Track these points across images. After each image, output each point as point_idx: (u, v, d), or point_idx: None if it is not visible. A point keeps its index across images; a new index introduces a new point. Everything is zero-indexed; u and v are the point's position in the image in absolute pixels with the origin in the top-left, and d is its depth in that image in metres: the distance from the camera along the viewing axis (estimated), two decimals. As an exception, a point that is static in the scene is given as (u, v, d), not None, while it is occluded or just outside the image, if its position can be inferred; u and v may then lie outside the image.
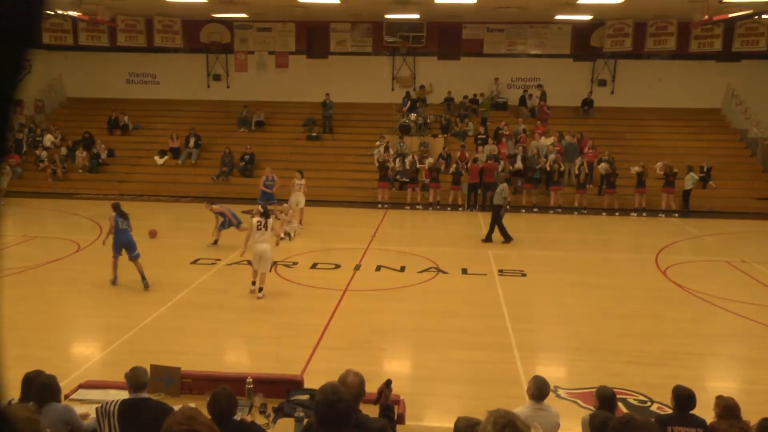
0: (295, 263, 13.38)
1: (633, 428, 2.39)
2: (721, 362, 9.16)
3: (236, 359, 8.98)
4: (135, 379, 4.57)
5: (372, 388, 5.29)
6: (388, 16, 23.29)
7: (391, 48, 25.04)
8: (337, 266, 13.21)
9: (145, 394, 4.61)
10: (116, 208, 11.41)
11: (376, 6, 21.34)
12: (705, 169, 20.29)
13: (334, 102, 23.99)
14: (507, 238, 15.34)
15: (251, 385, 5.50)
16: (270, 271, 11.44)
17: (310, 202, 20.41)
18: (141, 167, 22.78)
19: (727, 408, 4.86)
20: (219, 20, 25.04)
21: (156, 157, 22.94)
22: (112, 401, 4.53)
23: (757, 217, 19.00)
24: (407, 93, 24.55)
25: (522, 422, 2.58)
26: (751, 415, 4.87)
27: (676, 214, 19.22)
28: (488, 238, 15.42)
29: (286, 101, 25.51)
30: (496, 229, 15.36)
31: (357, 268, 13.06)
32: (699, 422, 4.87)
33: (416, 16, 22.99)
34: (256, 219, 10.84)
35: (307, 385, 6.04)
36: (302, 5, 21.19)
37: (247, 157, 22.11)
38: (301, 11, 22.55)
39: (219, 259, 13.42)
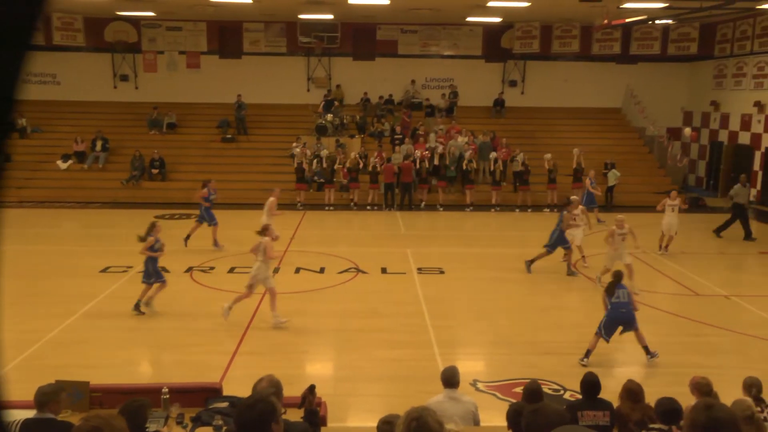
0: (211, 268, 13.04)
1: (541, 415, 2.50)
2: (626, 348, 9.65)
3: (151, 369, 8.66)
4: (37, 396, 4.33)
5: (295, 391, 5.25)
6: (301, 17, 23.12)
7: (306, 48, 24.88)
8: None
9: (49, 414, 4.36)
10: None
11: (289, 6, 21.14)
12: (609, 166, 21.36)
13: (246, 103, 23.57)
14: (749, 236, 16.23)
15: (167, 396, 5.31)
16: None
17: (225, 206, 19.98)
18: (42, 172, 21.50)
19: (630, 392, 5.17)
20: (124, 18, 24.04)
21: (59, 162, 21.73)
22: (14, 421, 4.26)
23: (655, 210, 20.16)
24: (328, 91, 24.56)
25: (434, 418, 2.61)
26: (655, 397, 5.16)
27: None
28: (749, 236, 16.16)
29: (199, 102, 24.83)
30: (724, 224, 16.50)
31: (276, 270, 12.87)
32: (606, 405, 5.15)
33: (330, 16, 22.95)
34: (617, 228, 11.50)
35: (226, 392, 5.91)
36: (213, 4, 20.67)
37: (156, 162, 21.33)
38: (212, 10, 22.00)
39: (131, 267, 12.87)
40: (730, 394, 5.41)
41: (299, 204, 19.96)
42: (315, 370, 8.63)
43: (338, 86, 25.15)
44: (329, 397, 6.45)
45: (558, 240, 12.77)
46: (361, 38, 25.31)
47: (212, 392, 5.64)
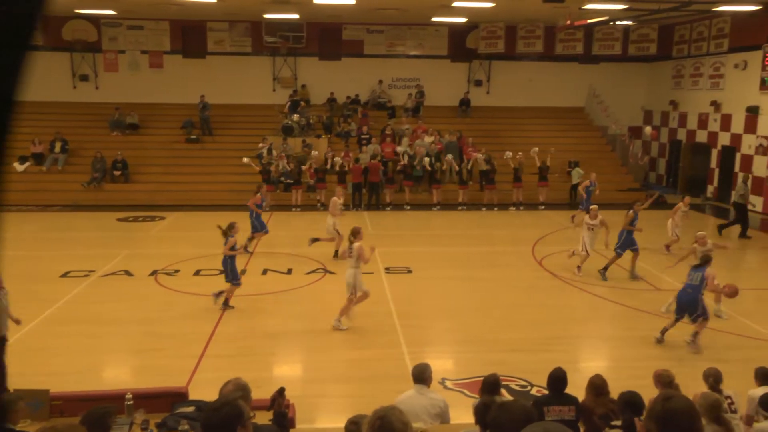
0: (176, 271, 12.84)
1: (507, 411, 2.53)
2: (591, 344, 9.85)
3: (115, 375, 8.48)
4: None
5: (263, 394, 5.21)
6: (266, 16, 22.94)
7: (272, 48, 24.70)
8: (222, 272, 12.82)
9: (7, 424, 4.24)
10: None
11: (254, 5, 20.95)
12: (572, 164, 21.71)
13: (210, 103, 23.28)
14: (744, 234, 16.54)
15: (131, 402, 5.21)
16: None
17: (190, 207, 19.73)
18: (-1, 175, 20.88)
19: (594, 386, 5.27)
20: (84, 17, 23.51)
21: (15, 164, 21.12)
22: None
23: (618, 208, 20.40)
24: (294, 91, 24.38)
25: (398, 417, 2.61)
26: (618, 390, 5.26)
27: (543, 206, 20.40)
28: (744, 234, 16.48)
29: (163, 103, 24.42)
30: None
31: (242, 272, 12.75)
32: (572, 400, 5.24)
33: (296, 16, 22.83)
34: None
35: (192, 396, 5.82)
36: (176, 3, 20.36)
37: (119, 164, 20.91)
38: (175, 9, 21.66)
39: (93, 271, 12.61)
40: (691, 385, 5.55)
41: (266, 206, 19.76)
42: (283, 372, 8.56)
43: (304, 86, 25.02)
44: (298, 398, 6.42)
45: (626, 242, 12.53)
46: (326, 38, 25.23)
47: (178, 397, 5.55)
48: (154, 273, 12.60)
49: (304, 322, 10.13)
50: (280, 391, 4.99)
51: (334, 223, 13.60)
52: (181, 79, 24.48)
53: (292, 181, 20.23)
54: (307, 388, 7.76)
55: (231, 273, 10.44)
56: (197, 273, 12.75)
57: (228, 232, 10.37)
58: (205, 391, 5.97)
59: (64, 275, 12.32)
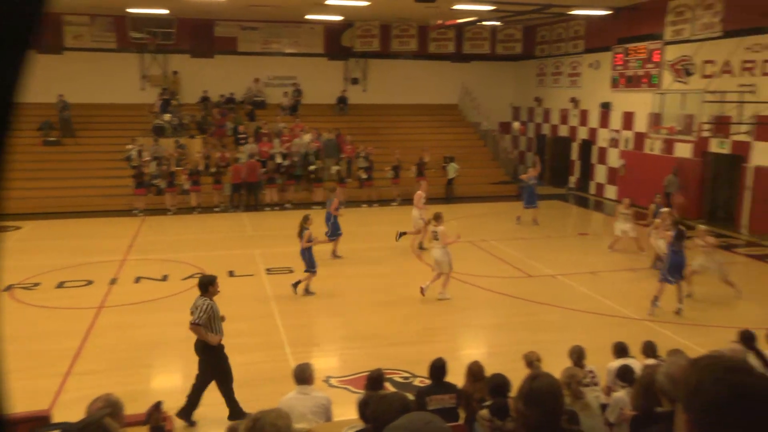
0: (36, 284, 11.85)
1: (386, 403, 2.58)
2: (471, 332, 10.25)
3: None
4: None
5: (140, 408, 4.95)
6: (130, 10, 21.73)
7: (139, 44, 23.45)
8: (89, 282, 12.01)
9: None
10: None
11: (116, -2, 19.77)
12: (448, 160, 22.46)
13: (69, 102, 21.71)
14: None
15: (-18, 432, 4.72)
16: None
17: (52, 215, 18.30)
18: None
19: (472, 373, 5.48)
20: None
21: None
22: None
23: (491, 200, 21.56)
24: (164, 90, 23.21)
25: (271, 420, 2.58)
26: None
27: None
28: None
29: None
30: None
31: (113, 281, 12.03)
32: (452, 388, 5.41)
33: (165, 11, 21.82)
34: None
35: (57, 419, 5.41)
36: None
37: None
38: None
39: (-63, 289, 11.33)
40: (559, 363, 5.91)
41: (136, 210, 18.77)
42: (160, 384, 8.16)
43: (176, 72, 23.89)
44: (177, 411, 6.14)
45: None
46: (198, 34, 24.33)
47: (38, 421, 5.13)
48: (9, 288, 11.54)
49: (181, 329, 9.66)
50: (157, 405, 4.77)
51: (420, 214, 14.34)
52: (35, 76, 22.44)
53: (164, 185, 19.31)
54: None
55: (309, 262, 11.19)
56: (61, 285, 11.84)
57: (304, 224, 11.13)
58: (73, 411, 5.53)
59: None
